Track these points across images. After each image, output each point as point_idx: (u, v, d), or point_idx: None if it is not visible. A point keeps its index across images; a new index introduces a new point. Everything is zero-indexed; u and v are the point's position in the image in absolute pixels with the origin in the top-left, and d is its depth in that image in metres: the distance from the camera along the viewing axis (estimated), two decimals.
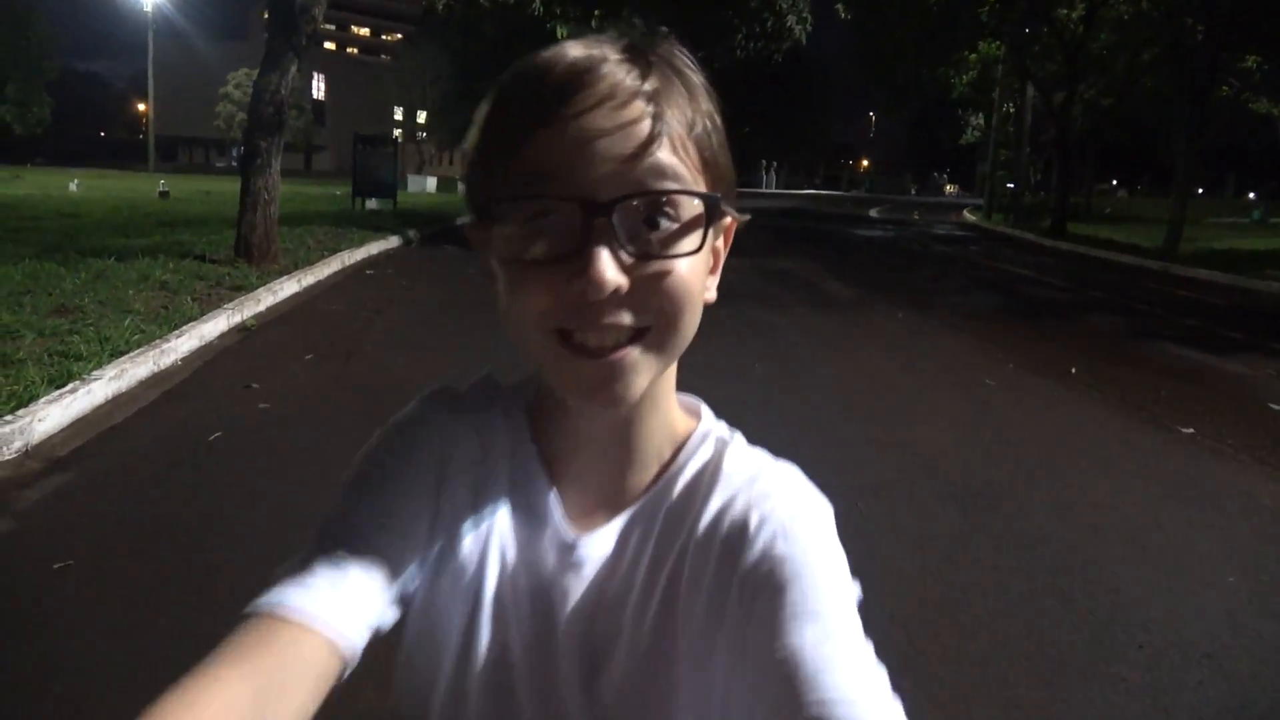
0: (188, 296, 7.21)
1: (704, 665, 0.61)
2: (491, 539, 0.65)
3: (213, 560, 2.98)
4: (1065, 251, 20.53)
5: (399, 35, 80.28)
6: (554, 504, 0.66)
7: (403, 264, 11.77)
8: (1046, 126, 27.80)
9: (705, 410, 0.72)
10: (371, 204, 19.18)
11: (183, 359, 5.77)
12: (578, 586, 0.65)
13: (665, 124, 0.54)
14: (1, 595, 2.74)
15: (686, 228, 0.56)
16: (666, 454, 0.68)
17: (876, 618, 2.81)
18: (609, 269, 0.52)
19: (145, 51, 42.35)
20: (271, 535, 3.06)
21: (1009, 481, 4.25)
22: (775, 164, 70.33)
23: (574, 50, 0.56)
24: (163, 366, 5.50)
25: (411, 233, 14.91)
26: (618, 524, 0.66)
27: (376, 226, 14.80)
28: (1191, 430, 5.28)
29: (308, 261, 9.96)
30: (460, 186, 0.69)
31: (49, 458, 3.92)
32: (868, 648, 0.55)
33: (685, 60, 0.59)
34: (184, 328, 6.10)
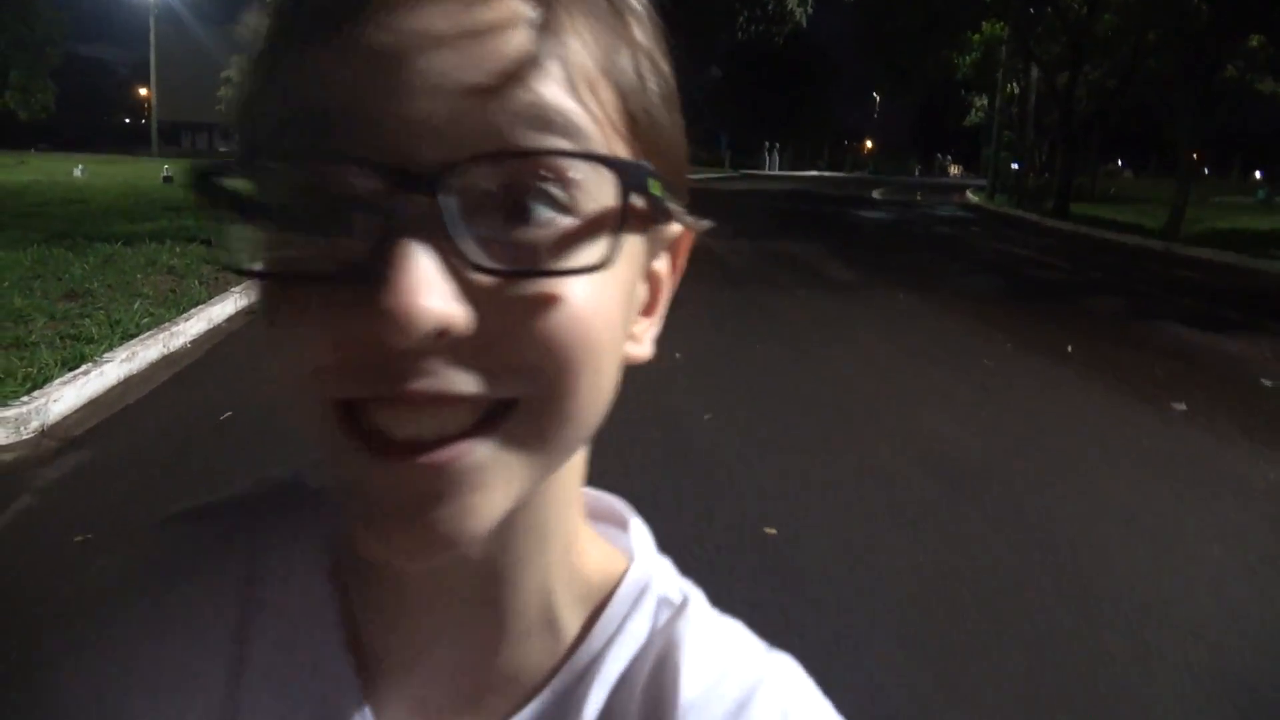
0: (195, 280, 7.32)
1: None
2: None
3: None
4: (1068, 233, 20.53)
5: None
6: None
7: None
8: (1051, 108, 27.75)
9: (637, 537, 0.47)
10: None
11: (192, 341, 5.88)
12: None
13: (560, 45, 0.32)
14: (29, 564, 2.85)
15: (589, 227, 0.32)
16: (571, 622, 0.43)
17: (868, 594, 2.91)
18: (424, 291, 0.29)
19: (148, 37, 42.30)
20: None
21: (1003, 460, 4.34)
22: (779, 146, 70.24)
23: None
24: (173, 349, 5.60)
25: None
26: None
27: None
28: (1185, 408, 5.36)
29: None
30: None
31: (65, 437, 4.03)
32: None
33: None
34: (193, 311, 6.21)
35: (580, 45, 0.33)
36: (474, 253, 0.30)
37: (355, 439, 0.32)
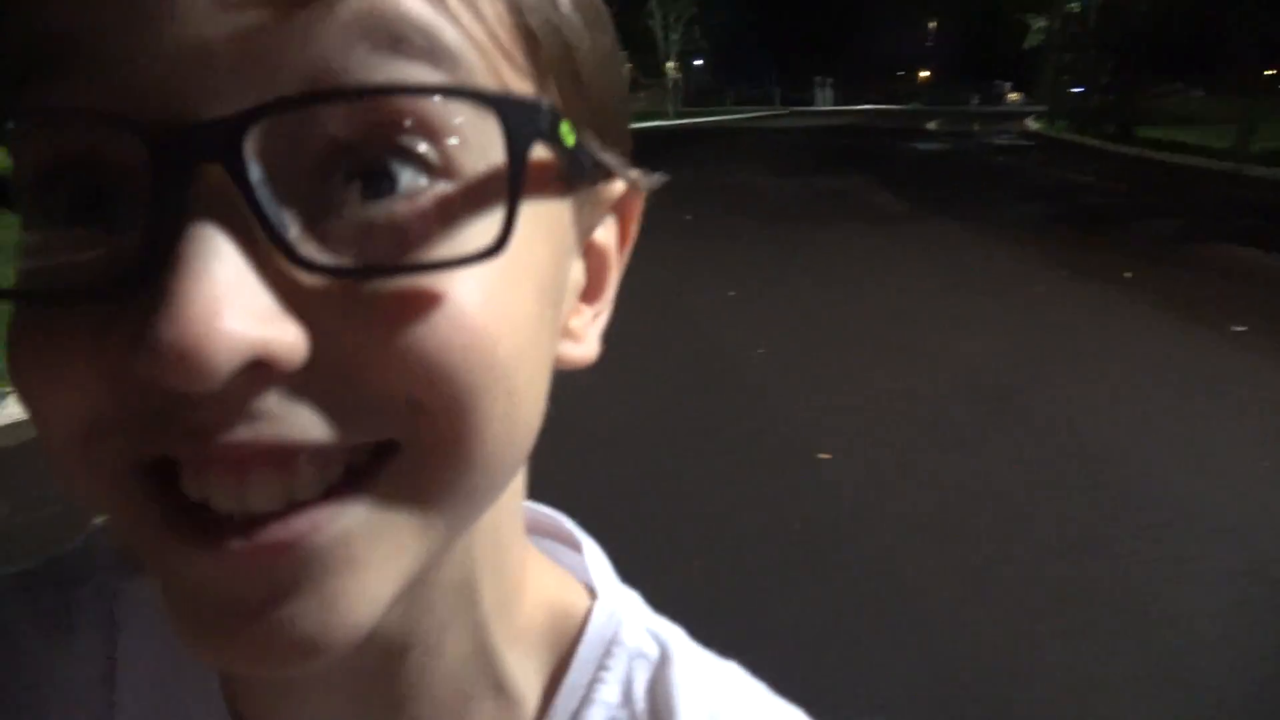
0: None
1: None
2: None
3: None
4: (1132, 157, 19.86)
5: None
6: None
7: None
8: (1114, 26, 26.64)
9: (593, 563, 0.40)
10: None
11: None
12: None
13: None
14: None
15: (473, 195, 0.24)
16: (525, 684, 0.36)
17: (906, 502, 3.03)
18: (221, 309, 0.20)
19: None
20: None
21: (1051, 383, 4.37)
22: (830, 80, 68.63)
23: None
24: None
25: None
26: None
27: None
28: (1244, 329, 5.28)
29: None
30: None
31: None
32: None
33: None
34: None
35: None
36: (300, 243, 0.21)
37: (165, 513, 0.23)
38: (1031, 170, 17.05)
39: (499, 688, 0.35)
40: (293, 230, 0.22)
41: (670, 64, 41.46)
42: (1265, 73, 19.59)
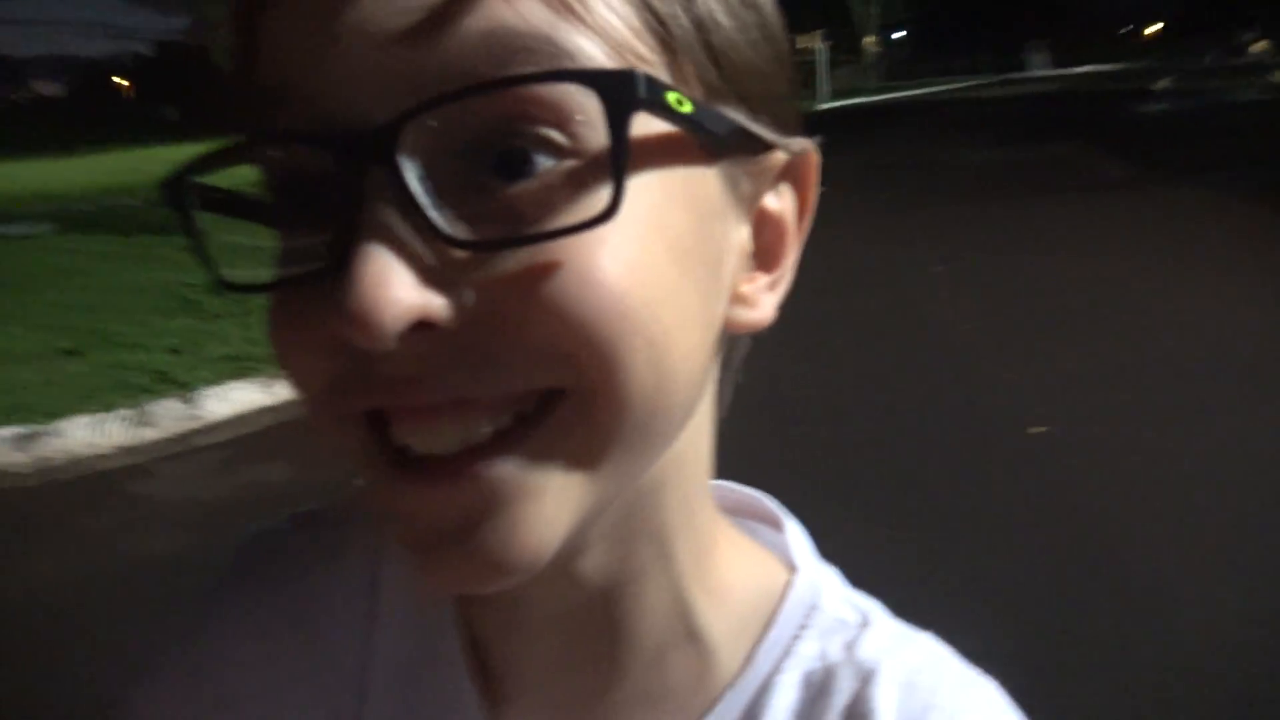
0: None
1: None
2: None
3: None
4: None
5: None
6: None
7: None
8: None
9: (794, 541, 0.43)
10: None
11: None
12: None
13: None
14: None
15: (588, 169, 0.27)
16: (720, 638, 0.39)
17: (1140, 491, 3.09)
18: (386, 281, 0.26)
19: None
20: None
21: None
22: (1045, 43, 63.73)
23: None
24: None
25: None
26: None
27: None
28: None
29: None
30: None
31: None
32: None
33: None
34: None
35: None
36: (446, 224, 0.26)
37: (384, 455, 0.29)
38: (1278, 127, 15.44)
39: (695, 638, 0.38)
40: (443, 212, 0.26)
41: (870, 38, 40.28)
42: None
